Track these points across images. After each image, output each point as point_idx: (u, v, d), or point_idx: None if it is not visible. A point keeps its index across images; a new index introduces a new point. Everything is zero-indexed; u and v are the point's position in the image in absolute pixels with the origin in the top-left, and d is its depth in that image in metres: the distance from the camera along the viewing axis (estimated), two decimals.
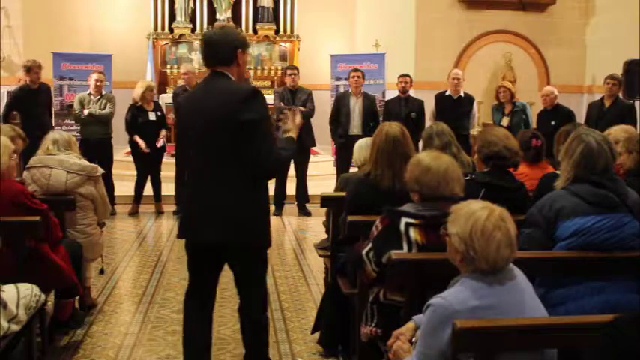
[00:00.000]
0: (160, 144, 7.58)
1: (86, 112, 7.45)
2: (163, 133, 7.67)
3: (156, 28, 11.36)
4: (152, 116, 7.56)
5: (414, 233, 2.66)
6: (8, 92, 9.28)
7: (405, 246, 2.66)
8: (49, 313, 3.80)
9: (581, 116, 8.27)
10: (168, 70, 11.30)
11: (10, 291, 2.96)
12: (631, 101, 7.62)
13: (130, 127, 7.58)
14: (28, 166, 4.27)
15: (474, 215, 2.09)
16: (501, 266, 2.09)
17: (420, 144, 4.65)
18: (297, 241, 6.61)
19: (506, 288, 2.09)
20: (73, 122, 8.53)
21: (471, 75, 9.75)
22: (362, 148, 4.19)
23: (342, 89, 9.58)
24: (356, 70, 8.03)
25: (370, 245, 2.80)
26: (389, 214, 2.75)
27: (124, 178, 8.37)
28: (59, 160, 4.19)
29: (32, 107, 7.54)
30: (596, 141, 2.78)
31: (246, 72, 3.17)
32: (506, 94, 7.91)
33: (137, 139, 7.51)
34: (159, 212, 7.79)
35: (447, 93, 8.18)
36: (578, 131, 2.90)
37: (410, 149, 3.38)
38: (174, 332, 4.10)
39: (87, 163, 4.33)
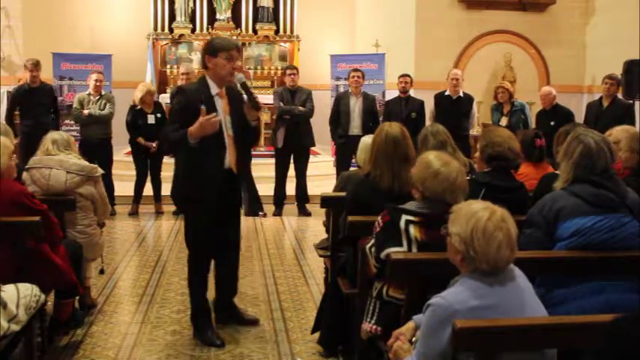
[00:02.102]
0: (153, 149, 7.56)
1: (86, 112, 7.45)
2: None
3: (156, 28, 11.34)
4: (151, 119, 7.54)
5: (413, 230, 2.66)
6: (8, 92, 9.29)
7: (405, 243, 2.66)
8: (49, 313, 3.80)
9: (580, 116, 8.27)
10: (168, 70, 11.28)
11: (10, 291, 2.96)
12: (630, 101, 7.62)
13: (131, 129, 7.59)
14: (27, 166, 4.27)
15: (475, 215, 2.09)
16: (502, 267, 2.09)
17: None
18: (297, 241, 6.60)
19: (507, 288, 2.09)
20: (72, 122, 8.52)
21: (471, 75, 9.77)
22: (366, 147, 4.17)
23: (342, 89, 9.57)
24: (356, 70, 8.03)
25: (372, 240, 2.82)
26: (389, 210, 2.75)
27: (124, 178, 8.37)
28: (59, 161, 4.19)
29: (31, 106, 7.50)
30: (594, 141, 2.78)
31: (230, 72, 3.82)
32: (504, 95, 7.91)
33: (141, 140, 7.53)
34: (159, 212, 7.79)
35: (447, 93, 8.17)
36: (576, 132, 2.89)
37: (410, 150, 3.37)
38: (174, 332, 4.10)
39: (86, 163, 4.32)
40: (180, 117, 3.76)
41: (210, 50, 3.79)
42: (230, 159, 3.84)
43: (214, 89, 3.81)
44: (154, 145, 7.52)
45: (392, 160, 3.28)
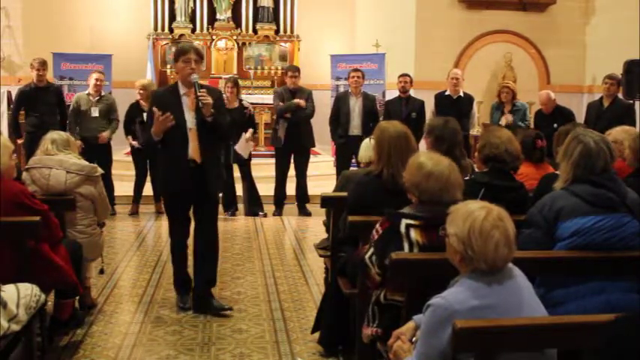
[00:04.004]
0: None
1: (105, 135, 7.47)
2: None
3: (156, 28, 11.34)
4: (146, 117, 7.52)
5: (414, 234, 2.65)
6: (8, 92, 9.28)
7: (406, 247, 2.65)
8: (49, 313, 3.80)
9: (581, 116, 8.27)
10: (168, 70, 11.26)
11: (10, 291, 2.96)
12: (630, 101, 7.62)
13: (127, 125, 7.61)
14: (27, 166, 4.27)
15: (472, 215, 2.09)
16: (500, 266, 2.09)
17: (423, 142, 4.63)
18: (297, 241, 6.61)
19: (506, 288, 2.09)
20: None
21: (471, 75, 9.76)
22: (370, 146, 4.14)
23: (342, 89, 9.57)
24: (356, 70, 8.02)
25: (372, 250, 2.78)
26: (389, 216, 2.74)
27: (124, 178, 8.37)
28: (58, 160, 4.19)
29: (36, 106, 7.47)
30: (594, 141, 2.78)
31: (188, 73, 4.36)
32: (508, 95, 7.93)
33: (130, 140, 7.57)
34: (159, 212, 7.77)
35: (447, 93, 8.18)
36: (576, 132, 2.89)
37: (416, 146, 3.39)
38: (174, 332, 4.10)
39: (86, 162, 4.32)
40: (151, 119, 4.34)
41: (174, 57, 4.48)
42: (192, 150, 4.33)
43: (182, 90, 4.39)
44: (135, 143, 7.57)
45: (406, 155, 3.25)
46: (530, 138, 4.30)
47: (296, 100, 7.52)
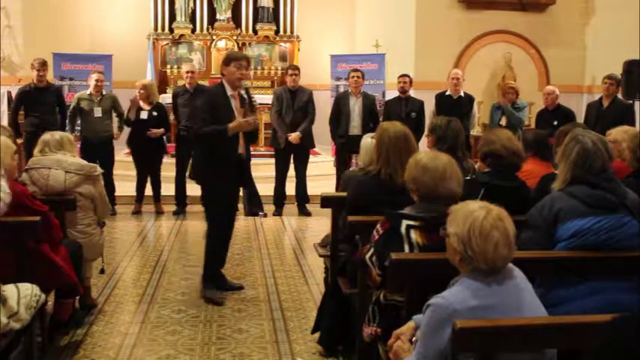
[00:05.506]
0: (151, 134, 7.51)
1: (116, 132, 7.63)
2: (160, 130, 7.58)
3: (156, 29, 11.34)
4: (144, 115, 7.50)
5: (415, 235, 2.65)
6: (8, 92, 9.28)
7: (407, 248, 2.65)
8: (49, 313, 3.80)
9: (580, 116, 8.27)
10: (169, 71, 11.27)
11: (10, 291, 2.96)
12: (630, 101, 7.62)
13: (126, 122, 7.65)
14: (26, 167, 4.27)
15: (472, 215, 2.09)
16: (500, 266, 2.09)
17: (423, 141, 4.63)
18: (297, 241, 6.61)
19: (506, 288, 2.09)
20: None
21: (471, 75, 9.75)
22: (370, 148, 4.14)
23: (342, 89, 9.56)
24: (355, 70, 8.03)
25: (372, 250, 2.78)
26: (389, 217, 2.74)
27: (125, 178, 8.35)
28: (57, 160, 4.19)
29: (36, 106, 7.47)
30: (592, 141, 2.79)
31: (238, 77, 4.72)
32: (513, 96, 7.93)
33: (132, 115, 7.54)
34: (159, 212, 7.78)
35: (447, 93, 8.19)
36: (574, 132, 2.90)
37: (415, 146, 3.40)
38: (174, 332, 4.10)
39: (85, 162, 4.33)
40: (206, 113, 4.62)
41: (225, 61, 4.75)
42: (241, 147, 4.78)
43: (229, 91, 4.70)
44: (150, 133, 7.51)
45: (404, 155, 3.26)
46: (541, 136, 4.32)
47: (291, 138, 7.55)
